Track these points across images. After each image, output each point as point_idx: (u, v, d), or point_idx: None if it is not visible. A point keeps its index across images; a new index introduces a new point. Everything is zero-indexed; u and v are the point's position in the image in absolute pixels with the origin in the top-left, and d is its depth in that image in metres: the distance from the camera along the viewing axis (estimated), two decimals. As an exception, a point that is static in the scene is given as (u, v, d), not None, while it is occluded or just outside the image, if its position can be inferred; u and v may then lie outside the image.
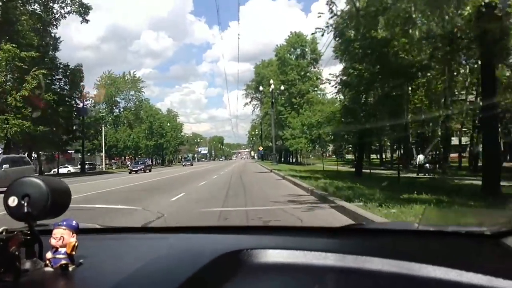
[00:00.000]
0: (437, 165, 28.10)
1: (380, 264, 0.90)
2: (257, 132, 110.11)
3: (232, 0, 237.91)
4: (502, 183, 10.53)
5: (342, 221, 5.94)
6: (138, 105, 68.91)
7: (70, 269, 0.90)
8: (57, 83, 37.06)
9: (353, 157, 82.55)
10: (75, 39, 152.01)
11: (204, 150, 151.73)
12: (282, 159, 75.13)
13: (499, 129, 16.87)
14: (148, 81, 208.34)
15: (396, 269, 0.88)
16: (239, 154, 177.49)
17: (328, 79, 20.62)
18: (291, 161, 63.93)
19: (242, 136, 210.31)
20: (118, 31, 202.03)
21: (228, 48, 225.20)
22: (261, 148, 72.27)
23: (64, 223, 0.91)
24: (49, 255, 0.91)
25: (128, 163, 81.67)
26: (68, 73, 36.91)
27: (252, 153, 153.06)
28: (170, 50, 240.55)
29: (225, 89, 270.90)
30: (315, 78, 49.95)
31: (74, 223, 0.93)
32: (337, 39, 16.14)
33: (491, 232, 1.08)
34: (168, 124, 75.30)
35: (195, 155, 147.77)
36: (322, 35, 14.07)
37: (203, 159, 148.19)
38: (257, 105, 73.84)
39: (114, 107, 66.57)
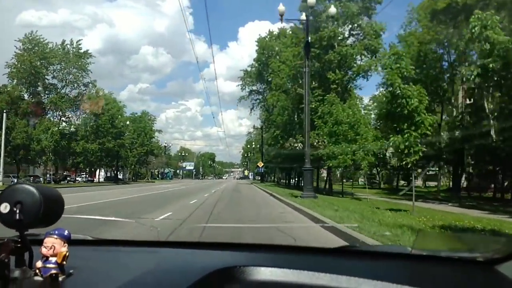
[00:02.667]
0: None
1: (373, 286, 0.90)
2: (253, 146, 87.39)
3: (232, 21, 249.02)
4: None
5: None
6: (82, 90, 45.72)
7: (60, 279, 0.88)
8: None
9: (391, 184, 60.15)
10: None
11: (189, 166, 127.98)
12: (290, 180, 52.36)
13: None
14: (145, 96, 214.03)
15: None
16: (232, 173, 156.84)
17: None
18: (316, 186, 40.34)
19: (236, 156, 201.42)
20: (117, 45, 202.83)
21: (225, 68, 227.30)
22: (261, 164, 49.08)
23: (56, 232, 0.90)
24: (39, 264, 0.89)
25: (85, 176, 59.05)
26: None
27: (246, 172, 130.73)
28: (168, 67, 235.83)
29: (222, 108, 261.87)
30: (372, 33, 27.22)
31: (66, 232, 0.91)
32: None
33: (484, 258, 1.07)
34: (128, 123, 51.71)
35: (178, 171, 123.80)
36: None
37: (187, 177, 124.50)
38: (257, 102, 51.04)
39: (41, 88, 43.17)
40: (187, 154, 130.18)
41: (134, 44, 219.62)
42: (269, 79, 46.10)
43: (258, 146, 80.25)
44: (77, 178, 52.99)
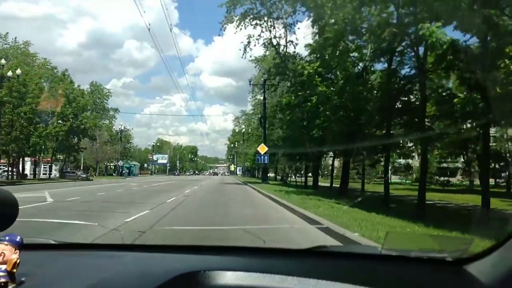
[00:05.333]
0: None
1: None
2: (243, 130, 64.62)
3: (218, 15, 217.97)
4: None
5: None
6: None
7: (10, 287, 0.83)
8: None
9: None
10: (56, 43, 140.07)
11: (162, 159, 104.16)
12: (309, 177, 31.17)
13: None
14: (129, 90, 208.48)
15: None
16: (216, 169, 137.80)
17: None
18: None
19: (221, 151, 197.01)
20: (101, 39, 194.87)
21: (210, 62, 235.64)
22: (263, 149, 26.23)
23: (7, 238, 0.85)
24: None
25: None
26: None
27: (232, 166, 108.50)
28: (153, 61, 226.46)
29: (206, 103, 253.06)
30: None
31: (18, 238, 0.86)
32: None
33: (453, 258, 1.08)
34: (20, 74, 27.79)
35: (148, 165, 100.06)
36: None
37: (162, 172, 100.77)
38: (258, 34, 27.78)
39: None
40: (158, 143, 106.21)
41: (118, 37, 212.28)
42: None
43: (251, 128, 57.48)
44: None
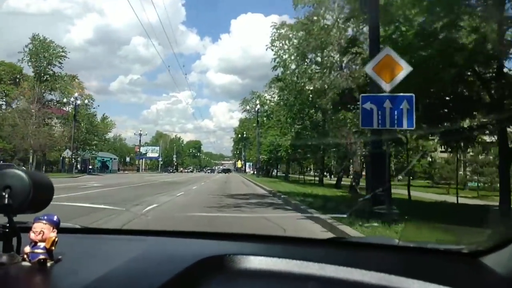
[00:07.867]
0: None
1: (360, 275, 0.92)
2: (257, 106, 44.45)
3: (224, 13, 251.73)
4: None
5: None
6: None
7: (48, 264, 0.88)
8: None
9: None
10: (63, 39, 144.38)
11: (153, 153, 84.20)
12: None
13: None
14: (136, 87, 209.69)
15: (375, 281, 0.90)
16: (221, 166, 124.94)
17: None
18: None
19: (227, 148, 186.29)
20: (107, 35, 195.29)
21: (216, 60, 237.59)
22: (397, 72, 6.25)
23: (45, 217, 0.90)
24: (27, 249, 0.88)
25: None
26: None
27: (240, 163, 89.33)
28: (159, 58, 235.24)
29: (212, 100, 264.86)
30: None
31: (55, 218, 0.91)
32: None
33: (469, 250, 1.11)
34: None
35: (131, 160, 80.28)
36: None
37: (155, 169, 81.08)
38: None
39: None
40: (146, 134, 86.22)
41: (125, 34, 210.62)
42: None
43: (268, 106, 37.16)
44: None
